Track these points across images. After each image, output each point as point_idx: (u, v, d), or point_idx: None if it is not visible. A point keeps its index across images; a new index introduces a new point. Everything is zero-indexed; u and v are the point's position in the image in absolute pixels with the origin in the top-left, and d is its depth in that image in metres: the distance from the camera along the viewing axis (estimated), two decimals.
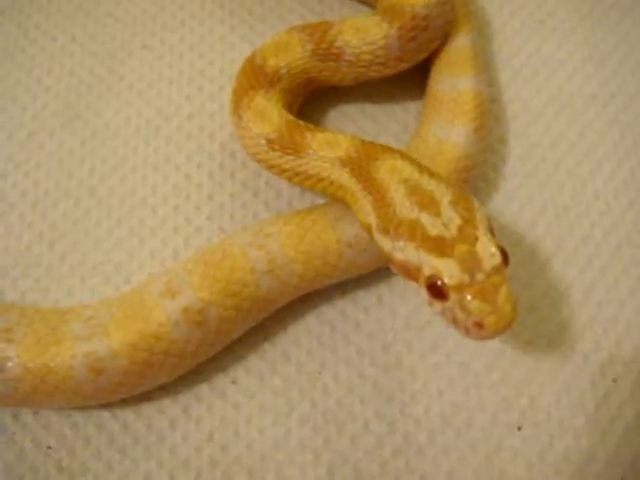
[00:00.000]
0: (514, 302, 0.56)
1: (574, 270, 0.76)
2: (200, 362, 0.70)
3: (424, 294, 0.59)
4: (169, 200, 0.80)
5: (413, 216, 0.60)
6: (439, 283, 0.57)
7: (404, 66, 0.78)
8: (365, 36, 0.75)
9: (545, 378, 0.71)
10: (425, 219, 0.60)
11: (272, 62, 0.75)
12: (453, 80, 0.79)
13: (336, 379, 0.71)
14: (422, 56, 0.79)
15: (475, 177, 0.77)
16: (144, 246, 0.78)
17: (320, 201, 0.77)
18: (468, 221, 0.59)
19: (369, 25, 0.75)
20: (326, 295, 0.75)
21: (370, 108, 0.85)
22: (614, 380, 0.71)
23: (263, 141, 0.71)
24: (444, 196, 0.61)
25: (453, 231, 0.59)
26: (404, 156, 0.66)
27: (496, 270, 0.57)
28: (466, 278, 0.56)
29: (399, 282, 0.75)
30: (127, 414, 0.70)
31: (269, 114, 0.73)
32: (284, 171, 0.72)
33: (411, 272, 0.60)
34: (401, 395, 0.71)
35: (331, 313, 0.75)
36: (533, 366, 0.72)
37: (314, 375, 0.72)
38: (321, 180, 0.70)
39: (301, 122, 0.72)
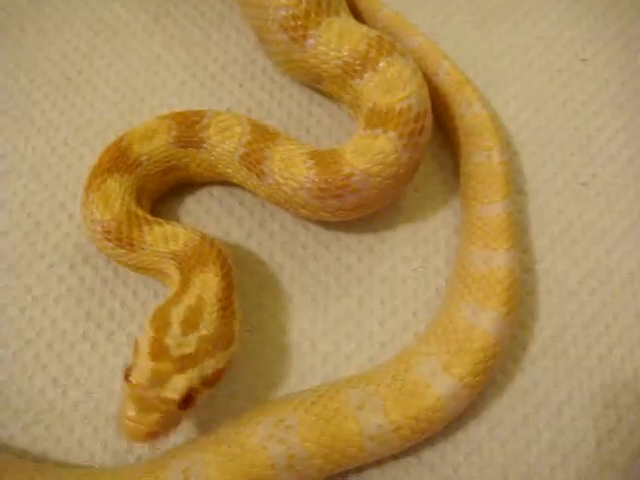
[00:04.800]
0: (149, 431, 0.62)
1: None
2: None
3: None
4: None
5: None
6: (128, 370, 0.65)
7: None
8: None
9: None
10: (170, 340, 0.66)
11: (136, 147, 0.78)
12: (486, 254, 0.77)
13: None
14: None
15: (502, 358, 0.76)
16: None
17: None
18: (189, 356, 0.65)
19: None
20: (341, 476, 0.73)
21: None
22: None
23: (99, 228, 0.74)
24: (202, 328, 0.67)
25: (181, 353, 0.65)
26: (223, 274, 0.71)
27: (165, 400, 0.63)
28: (145, 382, 0.63)
29: (418, 465, 0.73)
30: None
31: (113, 201, 0.75)
32: (118, 261, 0.76)
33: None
34: None
35: None
36: None
37: None
38: (150, 270, 0.75)
39: (141, 213, 0.75)
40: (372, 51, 0.77)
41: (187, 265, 0.72)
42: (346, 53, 0.78)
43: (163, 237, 0.74)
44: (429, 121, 0.77)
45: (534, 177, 0.86)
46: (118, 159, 0.77)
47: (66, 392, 0.76)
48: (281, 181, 0.75)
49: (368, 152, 0.73)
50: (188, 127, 0.78)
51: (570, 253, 0.83)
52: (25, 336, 0.79)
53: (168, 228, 0.74)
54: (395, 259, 0.82)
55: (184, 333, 0.66)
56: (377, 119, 0.75)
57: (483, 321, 0.73)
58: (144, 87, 0.91)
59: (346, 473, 0.73)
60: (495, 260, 0.76)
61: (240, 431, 0.69)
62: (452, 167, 0.87)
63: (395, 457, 0.74)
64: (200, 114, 0.79)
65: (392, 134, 0.74)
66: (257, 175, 0.76)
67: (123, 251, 0.74)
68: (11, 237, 0.83)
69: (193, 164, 0.80)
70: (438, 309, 0.79)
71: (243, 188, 0.82)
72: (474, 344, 0.72)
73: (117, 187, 0.76)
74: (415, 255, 0.82)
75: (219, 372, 0.67)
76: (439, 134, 0.88)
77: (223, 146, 0.78)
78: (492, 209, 0.79)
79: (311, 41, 0.79)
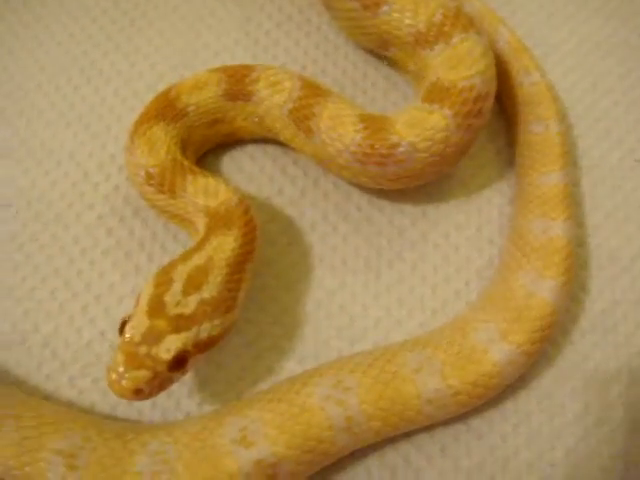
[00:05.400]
0: (135, 388, 0.61)
1: None
2: None
3: None
4: None
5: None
6: (125, 321, 0.64)
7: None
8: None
9: None
10: (170, 297, 0.65)
11: (184, 98, 0.77)
12: (545, 223, 0.76)
13: None
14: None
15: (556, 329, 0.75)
16: None
17: None
18: (186, 317, 0.64)
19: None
20: (390, 437, 0.73)
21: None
22: None
23: (142, 172, 0.73)
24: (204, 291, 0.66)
25: (178, 312, 0.64)
26: (242, 241, 0.69)
27: (155, 359, 0.62)
28: (137, 338, 0.62)
29: (467, 433, 0.73)
30: None
31: (158, 148, 0.74)
32: (155, 206, 0.75)
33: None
34: None
35: (393, 457, 0.73)
36: None
37: None
38: (183, 221, 0.75)
39: (187, 163, 0.74)
40: (447, 24, 0.75)
41: (214, 223, 0.71)
42: (421, 23, 0.76)
43: (204, 190, 0.72)
44: (489, 104, 0.75)
45: (589, 152, 0.85)
46: (165, 108, 0.76)
47: (114, 346, 0.75)
48: (327, 140, 0.74)
49: (419, 126, 0.72)
50: (238, 80, 0.77)
51: (624, 229, 0.82)
52: (73, 288, 0.77)
53: (211, 182, 0.73)
54: (448, 226, 0.81)
55: (185, 293, 0.65)
56: (437, 94, 0.74)
57: (542, 290, 0.73)
58: (197, 41, 0.89)
59: (395, 437, 0.73)
60: (554, 229, 0.75)
61: (298, 391, 0.68)
62: (506, 136, 0.86)
63: (445, 423, 0.73)
64: (250, 68, 0.78)
65: (448, 111, 0.72)
66: (304, 132, 0.75)
67: (163, 196, 0.73)
68: (59, 186, 0.81)
69: (240, 118, 0.79)
70: (492, 278, 0.78)
71: (288, 146, 0.81)
72: (532, 312, 0.71)
73: (162, 135, 0.75)
74: (468, 223, 0.81)
75: (215, 337, 0.66)
76: (494, 103, 0.86)
77: (272, 99, 0.76)
78: (550, 179, 0.78)
79: (385, 8, 0.77)
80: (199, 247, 0.69)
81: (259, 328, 0.76)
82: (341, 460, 0.71)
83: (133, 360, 0.62)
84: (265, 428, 0.65)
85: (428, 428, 0.73)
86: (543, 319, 0.72)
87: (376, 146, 0.72)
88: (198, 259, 0.67)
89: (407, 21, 0.77)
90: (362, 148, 0.72)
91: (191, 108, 0.77)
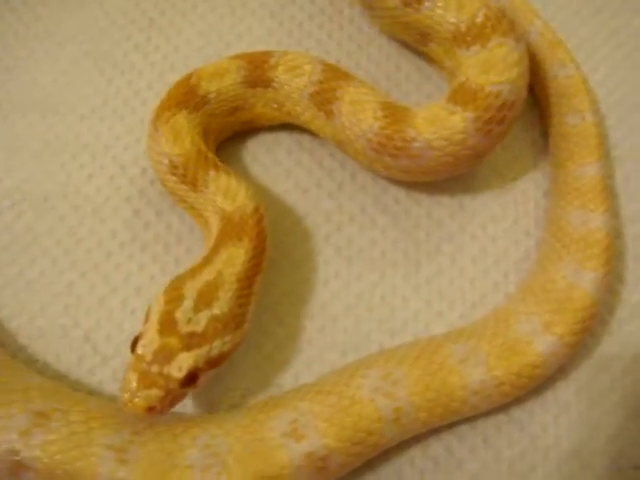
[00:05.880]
0: (148, 406, 0.61)
1: None
2: None
3: None
4: None
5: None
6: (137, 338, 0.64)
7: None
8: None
9: None
10: (181, 314, 0.64)
11: (204, 84, 0.77)
12: (584, 215, 0.77)
13: None
14: None
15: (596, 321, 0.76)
16: None
17: None
18: (198, 334, 0.64)
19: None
20: (433, 429, 0.73)
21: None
22: None
23: (166, 161, 0.73)
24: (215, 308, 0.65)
25: (190, 330, 0.64)
26: (253, 254, 0.69)
27: (168, 377, 0.62)
28: (149, 357, 0.62)
29: (509, 423, 0.74)
30: None
31: (183, 137, 0.74)
32: (176, 195, 0.74)
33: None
34: None
35: (436, 448, 0.73)
36: None
37: None
38: (200, 216, 0.74)
39: (211, 156, 0.74)
40: (488, 26, 0.75)
41: (226, 231, 0.70)
42: (463, 23, 0.76)
43: (225, 191, 0.72)
44: (514, 113, 0.75)
45: (621, 143, 0.86)
46: (187, 95, 0.76)
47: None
48: (347, 124, 0.74)
49: (438, 124, 0.72)
50: (257, 67, 0.78)
51: None
52: (112, 282, 0.77)
53: (232, 183, 0.72)
54: (485, 218, 0.81)
55: (196, 309, 0.65)
56: (462, 95, 0.74)
57: (582, 281, 0.73)
58: (229, 33, 0.89)
59: (438, 429, 0.73)
60: (593, 221, 0.76)
61: (347, 383, 0.68)
62: (540, 128, 0.86)
63: (486, 414, 0.74)
64: (268, 54, 0.79)
65: (469, 115, 0.72)
66: (326, 114, 0.76)
67: (184, 187, 0.73)
68: (95, 180, 0.81)
69: (259, 104, 0.79)
70: (531, 269, 0.78)
71: (305, 129, 0.82)
72: (574, 304, 0.72)
73: (185, 123, 0.74)
74: (505, 215, 0.82)
75: (226, 353, 0.66)
76: (528, 95, 0.86)
77: (292, 84, 0.77)
78: (587, 170, 0.78)
79: (427, 4, 0.77)
80: (208, 261, 0.68)
81: (299, 321, 0.76)
82: (385, 451, 0.71)
83: (145, 379, 0.62)
84: (315, 421, 0.66)
85: (470, 419, 0.74)
86: (584, 310, 0.72)
87: (392, 137, 0.72)
88: (208, 274, 0.67)
89: (449, 18, 0.76)
90: (378, 137, 0.73)
91: (212, 95, 0.77)
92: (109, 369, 0.74)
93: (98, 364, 0.74)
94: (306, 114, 0.78)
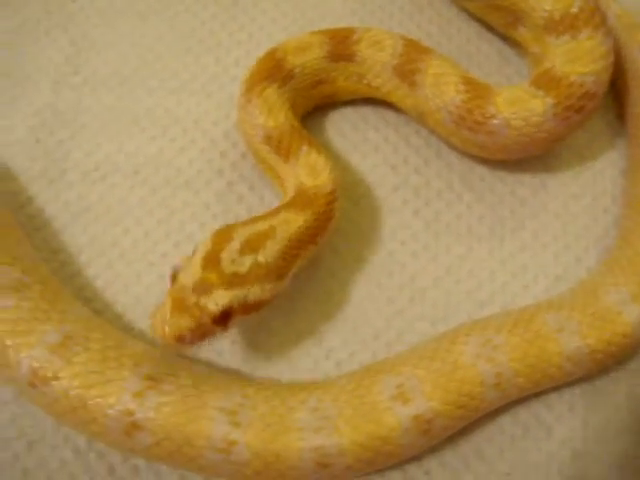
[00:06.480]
0: (179, 334, 0.61)
1: None
2: None
3: None
4: None
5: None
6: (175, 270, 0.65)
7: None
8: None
9: None
10: (226, 254, 0.65)
11: (290, 58, 0.79)
12: None
13: None
14: None
15: None
16: None
17: None
18: (239, 275, 0.65)
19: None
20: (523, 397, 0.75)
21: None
22: None
23: (261, 133, 0.75)
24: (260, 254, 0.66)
25: (233, 270, 0.65)
26: (311, 225, 0.70)
27: (203, 309, 0.62)
28: (188, 286, 0.63)
29: (593, 392, 0.76)
30: None
31: (277, 111, 0.76)
32: (263, 162, 0.77)
33: None
34: None
35: (525, 415, 0.75)
36: None
37: (502, 477, 0.73)
38: (281, 181, 0.76)
39: (305, 132, 0.76)
40: (581, 18, 0.77)
41: (295, 201, 0.72)
42: (557, 11, 0.78)
43: (312, 167, 0.74)
44: (594, 104, 0.77)
45: None
46: (274, 68, 0.78)
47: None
48: (429, 95, 0.77)
49: (519, 105, 0.75)
50: (339, 42, 0.80)
51: None
52: None
53: (320, 162, 0.74)
54: (566, 196, 0.84)
55: (242, 252, 0.66)
56: (546, 81, 0.76)
57: None
58: (313, 11, 0.91)
59: (526, 397, 0.75)
60: None
61: (448, 349, 0.70)
62: (615, 110, 0.89)
63: (571, 384, 0.75)
64: (351, 30, 0.81)
65: (550, 100, 0.75)
66: (408, 85, 0.78)
67: (276, 157, 0.75)
68: (187, 153, 0.82)
69: (341, 77, 0.81)
70: (615, 243, 0.81)
71: (386, 103, 0.84)
72: None
73: (276, 97, 0.76)
74: (584, 193, 0.84)
75: (261, 302, 0.66)
76: None
77: (375, 57, 0.79)
78: None
79: None
80: (265, 217, 0.70)
81: (390, 292, 0.78)
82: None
83: (180, 307, 0.62)
84: (421, 385, 0.68)
85: (556, 388, 0.76)
86: None
87: (473, 111, 0.75)
88: (261, 225, 0.69)
89: (545, 5, 0.79)
90: (459, 110, 0.75)
91: (297, 70, 0.79)
92: None
93: None
94: (388, 86, 0.80)
